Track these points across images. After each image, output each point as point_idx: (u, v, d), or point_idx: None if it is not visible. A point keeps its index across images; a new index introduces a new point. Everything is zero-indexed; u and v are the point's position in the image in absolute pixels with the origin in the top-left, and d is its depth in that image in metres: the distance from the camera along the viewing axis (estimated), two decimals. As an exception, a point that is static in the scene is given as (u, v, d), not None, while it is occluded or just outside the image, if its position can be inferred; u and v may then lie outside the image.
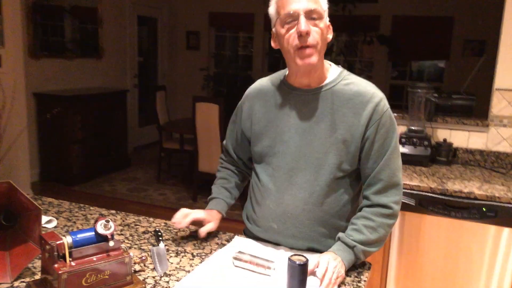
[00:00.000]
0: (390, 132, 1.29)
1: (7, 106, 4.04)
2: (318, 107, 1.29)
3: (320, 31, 1.22)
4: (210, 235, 1.45)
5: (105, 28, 5.77)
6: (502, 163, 2.48)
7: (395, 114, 2.66)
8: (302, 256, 1.09)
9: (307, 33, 1.19)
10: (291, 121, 1.32)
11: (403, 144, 2.44)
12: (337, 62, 1.39)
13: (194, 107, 4.21)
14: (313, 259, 1.19)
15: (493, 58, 2.52)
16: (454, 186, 2.09)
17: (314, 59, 1.22)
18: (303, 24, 1.18)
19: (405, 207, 2.14)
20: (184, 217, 1.37)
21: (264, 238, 1.41)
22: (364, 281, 1.23)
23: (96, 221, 1.12)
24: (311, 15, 1.20)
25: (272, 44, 1.32)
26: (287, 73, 1.37)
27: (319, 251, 1.32)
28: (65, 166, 4.82)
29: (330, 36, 1.28)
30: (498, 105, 2.48)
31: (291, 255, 1.10)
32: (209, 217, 1.42)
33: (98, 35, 5.67)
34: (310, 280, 1.15)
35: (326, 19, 1.26)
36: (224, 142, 1.59)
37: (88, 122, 4.90)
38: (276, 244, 1.38)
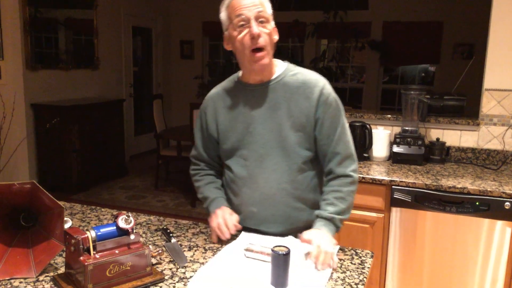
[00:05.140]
0: (337, 110, 1.46)
1: (8, 117, 4.09)
2: (273, 97, 1.44)
3: (269, 33, 1.39)
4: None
5: (101, 39, 5.85)
6: (493, 160, 2.58)
7: (389, 116, 2.78)
8: (284, 246, 1.18)
9: (258, 35, 1.35)
10: (252, 113, 1.46)
11: (397, 144, 2.54)
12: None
13: (192, 114, 4.28)
14: (297, 243, 1.34)
15: (481, 61, 2.62)
16: (448, 182, 2.19)
17: (266, 60, 1.39)
18: (255, 27, 1.35)
19: (401, 203, 2.23)
20: (228, 226, 1.42)
21: (245, 225, 1.51)
22: (368, 267, 1.31)
23: (116, 217, 1.19)
24: (260, 19, 1.37)
25: (225, 46, 1.47)
26: (240, 74, 1.52)
27: (297, 231, 1.42)
28: (63, 175, 4.86)
29: (276, 37, 1.44)
30: (488, 105, 2.59)
31: (274, 246, 1.18)
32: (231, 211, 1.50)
33: (94, 46, 5.74)
34: (303, 263, 1.27)
35: (272, 23, 1.43)
36: (193, 152, 1.68)
37: (85, 132, 4.94)
38: (256, 230, 1.49)
